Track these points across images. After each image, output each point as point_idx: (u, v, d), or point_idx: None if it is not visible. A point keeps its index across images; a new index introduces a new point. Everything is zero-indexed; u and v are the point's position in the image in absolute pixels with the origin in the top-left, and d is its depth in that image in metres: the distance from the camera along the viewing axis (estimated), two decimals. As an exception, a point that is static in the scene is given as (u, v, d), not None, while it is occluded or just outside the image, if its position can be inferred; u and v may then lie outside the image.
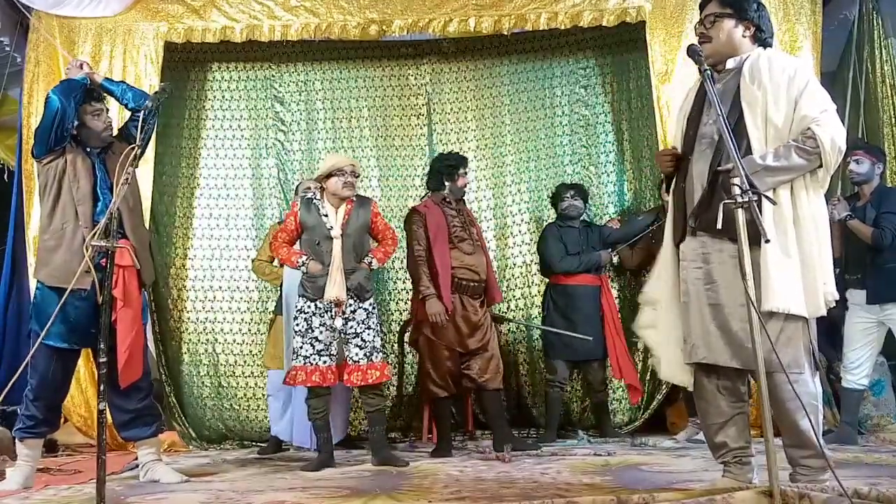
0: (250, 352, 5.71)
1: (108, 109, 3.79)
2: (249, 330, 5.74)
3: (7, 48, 5.22)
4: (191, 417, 5.54)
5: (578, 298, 5.12)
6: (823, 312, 2.66)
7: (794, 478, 2.69)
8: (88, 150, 3.66)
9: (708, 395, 2.80)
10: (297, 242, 4.29)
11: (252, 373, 5.68)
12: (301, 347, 4.06)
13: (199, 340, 5.71)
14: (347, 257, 4.10)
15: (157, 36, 5.24)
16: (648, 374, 5.46)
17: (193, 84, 5.98)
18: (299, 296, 4.15)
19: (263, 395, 5.63)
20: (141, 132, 3.21)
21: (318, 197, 4.23)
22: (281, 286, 4.90)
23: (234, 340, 5.73)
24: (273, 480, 3.64)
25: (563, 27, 5.31)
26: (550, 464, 3.87)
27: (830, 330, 4.66)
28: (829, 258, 2.70)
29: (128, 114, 3.86)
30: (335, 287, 4.02)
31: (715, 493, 2.57)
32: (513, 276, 5.91)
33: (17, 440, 3.61)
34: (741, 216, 2.42)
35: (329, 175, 4.18)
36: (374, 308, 4.19)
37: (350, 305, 4.07)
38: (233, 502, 3.01)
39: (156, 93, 3.42)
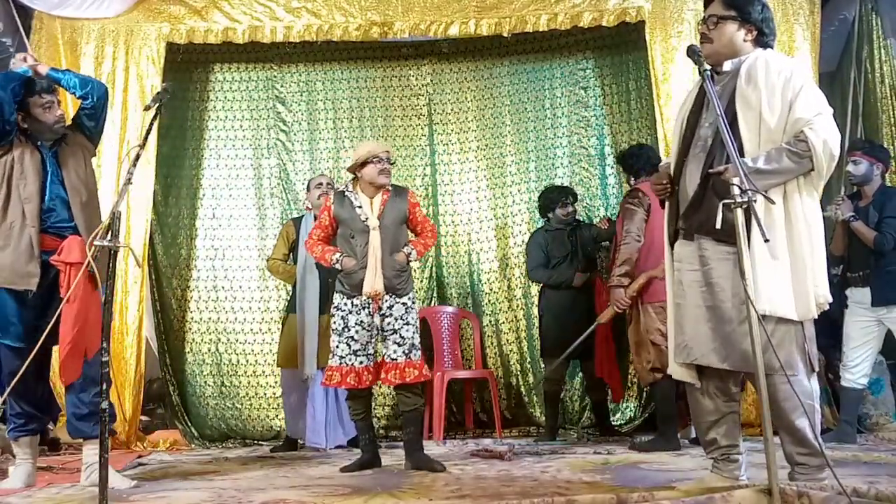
0: (253, 351, 5.74)
1: (59, 101, 3.67)
2: (252, 329, 5.77)
3: (10, 49, 5.24)
4: (193, 416, 5.57)
5: (571, 298, 5.09)
6: (814, 315, 2.66)
7: (793, 476, 2.70)
8: (39, 144, 3.56)
9: (700, 395, 2.82)
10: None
11: (255, 372, 5.71)
12: (337, 347, 3.85)
13: (202, 340, 5.74)
14: (384, 250, 3.83)
15: (159, 37, 5.26)
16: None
17: (195, 85, 6.01)
18: (336, 292, 3.93)
19: (266, 394, 5.67)
20: (146, 133, 3.21)
21: (351, 188, 3.95)
22: (295, 285, 4.88)
23: (237, 340, 5.76)
24: (275, 479, 3.65)
25: (563, 28, 5.33)
26: (550, 462, 3.88)
27: (830, 329, 4.67)
28: (823, 260, 2.68)
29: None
30: (373, 281, 3.78)
31: (714, 491, 2.58)
32: (513, 275, 5.93)
33: (12, 440, 3.62)
34: (740, 216, 2.43)
35: (364, 163, 3.88)
36: (413, 303, 3.91)
37: (387, 301, 3.83)
38: (235, 500, 3.02)
39: (157, 93, 3.41)
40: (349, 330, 3.83)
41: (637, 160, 4.65)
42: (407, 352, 3.82)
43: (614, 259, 4.56)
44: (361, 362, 3.82)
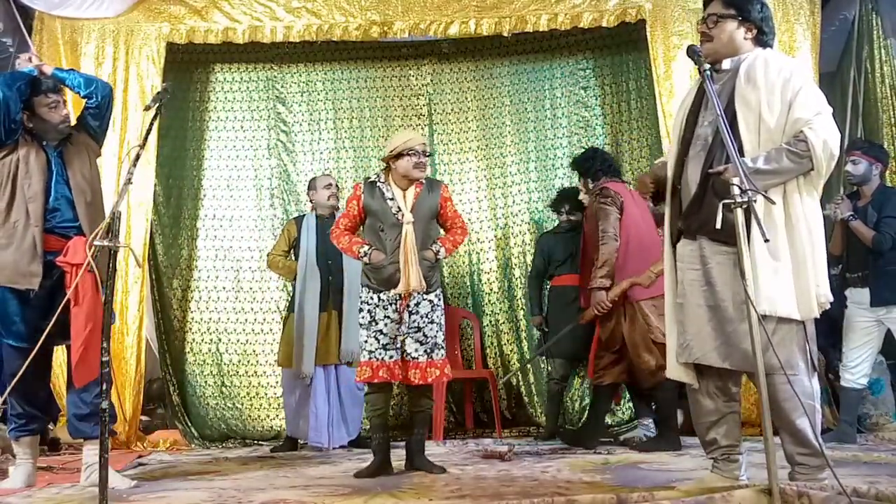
0: (253, 351, 5.74)
1: (65, 101, 3.69)
2: (252, 329, 5.77)
3: (11, 49, 5.24)
4: (193, 416, 5.57)
5: (571, 298, 5.05)
6: (816, 314, 2.66)
7: (793, 476, 2.70)
8: (45, 143, 3.56)
9: (700, 395, 2.83)
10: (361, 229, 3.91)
11: (255, 372, 5.72)
12: (366, 342, 3.70)
13: (202, 340, 5.75)
14: (415, 245, 3.68)
15: (159, 37, 5.27)
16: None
17: (196, 85, 6.02)
18: (363, 286, 3.79)
19: (266, 394, 5.67)
20: (146, 133, 3.21)
21: (383, 179, 3.79)
22: (294, 282, 4.88)
23: (238, 340, 5.76)
24: (275, 479, 3.65)
25: (563, 28, 5.34)
26: (550, 462, 3.89)
27: (830, 329, 4.67)
28: (823, 260, 2.68)
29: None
30: (408, 278, 3.63)
31: (714, 491, 2.58)
32: (513, 276, 5.93)
33: (13, 440, 3.62)
34: (740, 216, 2.43)
35: (399, 155, 3.71)
36: (439, 300, 3.79)
37: (414, 298, 3.70)
38: (235, 500, 3.03)
39: (157, 93, 3.40)
40: (377, 323, 3.70)
41: (594, 162, 4.65)
42: (429, 351, 3.71)
43: (583, 256, 4.54)
44: (391, 356, 3.68)
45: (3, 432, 4.46)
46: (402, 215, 3.70)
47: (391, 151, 3.76)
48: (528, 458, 4.08)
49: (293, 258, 4.98)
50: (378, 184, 3.78)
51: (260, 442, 5.47)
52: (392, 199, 3.74)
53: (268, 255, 5.12)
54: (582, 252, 4.68)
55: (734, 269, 2.61)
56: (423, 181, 3.80)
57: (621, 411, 5.57)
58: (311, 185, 5.05)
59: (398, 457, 3.90)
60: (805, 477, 2.66)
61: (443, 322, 3.79)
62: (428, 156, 3.80)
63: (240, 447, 5.32)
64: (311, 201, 5.05)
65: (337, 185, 5.02)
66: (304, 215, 5.06)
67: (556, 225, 5.40)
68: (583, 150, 5.91)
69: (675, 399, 4.33)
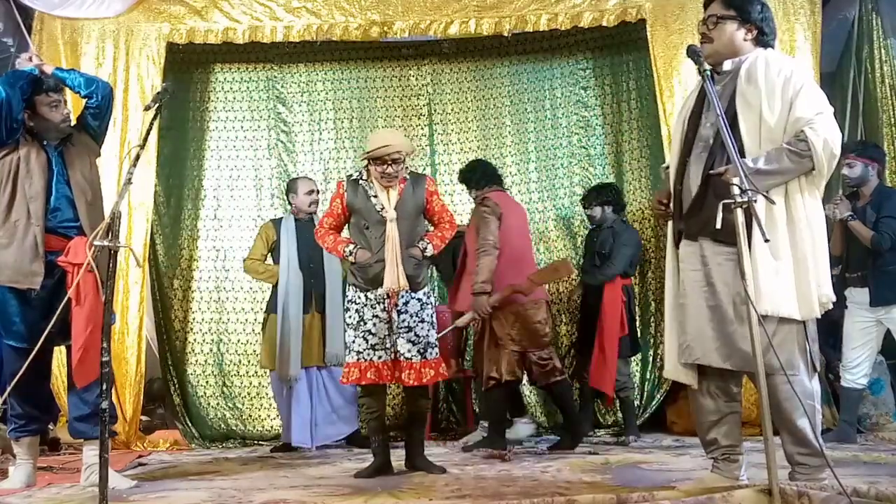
0: (254, 351, 5.73)
1: (66, 101, 3.69)
2: (254, 330, 5.76)
3: (11, 49, 5.24)
4: (194, 416, 5.58)
5: (581, 297, 5.31)
6: (817, 314, 2.66)
7: (793, 476, 2.70)
8: (45, 143, 3.55)
9: (701, 395, 2.83)
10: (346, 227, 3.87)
11: (255, 372, 5.71)
12: (354, 342, 3.64)
13: (203, 340, 5.75)
14: (402, 243, 3.63)
15: (159, 37, 5.26)
16: (648, 373, 5.50)
17: (196, 85, 6.01)
18: (349, 285, 3.74)
19: (266, 394, 5.66)
20: (146, 133, 3.21)
21: (365, 177, 3.74)
22: (276, 284, 4.87)
23: (239, 340, 5.76)
24: (275, 479, 3.65)
25: (563, 28, 5.34)
26: (550, 462, 3.89)
27: (830, 329, 4.67)
28: (825, 260, 2.69)
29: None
30: (393, 276, 3.57)
31: (714, 491, 2.58)
32: (513, 275, 5.92)
33: (13, 440, 3.62)
34: (740, 216, 2.43)
35: (374, 159, 3.66)
36: (429, 298, 3.74)
37: (403, 296, 3.64)
38: (235, 500, 3.04)
39: (157, 93, 3.40)
40: (366, 323, 3.64)
41: (474, 173, 4.80)
42: (422, 350, 3.65)
43: (462, 265, 4.64)
44: (380, 357, 3.62)
45: (3, 432, 4.46)
46: (386, 212, 3.66)
47: (365, 156, 3.71)
48: (528, 458, 4.09)
49: (273, 261, 4.97)
50: (360, 181, 3.75)
51: (260, 442, 5.47)
52: (375, 196, 3.70)
53: (244, 260, 5.07)
54: (462, 258, 4.73)
55: (735, 270, 2.61)
56: (407, 177, 3.76)
57: (612, 413, 5.56)
58: (291, 188, 5.02)
59: (398, 457, 3.91)
60: (805, 477, 2.67)
61: (434, 320, 3.76)
62: (402, 162, 3.67)
63: (240, 447, 5.33)
64: (290, 203, 5.03)
65: (318, 190, 5.03)
66: (281, 218, 5.07)
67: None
68: (583, 149, 5.97)
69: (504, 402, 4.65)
